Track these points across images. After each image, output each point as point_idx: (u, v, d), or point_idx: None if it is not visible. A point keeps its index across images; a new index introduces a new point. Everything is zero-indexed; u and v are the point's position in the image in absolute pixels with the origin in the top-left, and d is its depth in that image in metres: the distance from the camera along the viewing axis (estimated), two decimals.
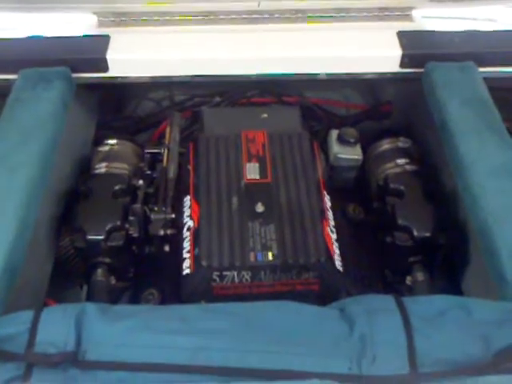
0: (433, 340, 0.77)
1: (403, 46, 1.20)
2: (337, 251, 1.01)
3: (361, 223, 1.21)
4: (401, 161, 1.18)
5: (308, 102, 1.43)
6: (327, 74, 1.25)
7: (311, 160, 1.09)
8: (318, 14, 1.27)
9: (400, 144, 1.23)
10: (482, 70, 1.18)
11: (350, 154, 1.20)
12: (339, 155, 1.20)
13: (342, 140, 1.20)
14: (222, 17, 1.25)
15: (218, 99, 1.41)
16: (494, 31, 1.25)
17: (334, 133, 1.23)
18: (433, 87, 1.14)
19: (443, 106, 1.10)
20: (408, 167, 1.17)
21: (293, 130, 1.14)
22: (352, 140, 1.20)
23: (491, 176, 0.98)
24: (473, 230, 0.98)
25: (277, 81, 1.34)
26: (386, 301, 0.82)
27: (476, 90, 1.13)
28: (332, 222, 1.05)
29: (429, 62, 1.18)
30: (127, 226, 1.04)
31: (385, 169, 1.18)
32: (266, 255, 0.95)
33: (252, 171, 1.06)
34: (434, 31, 1.25)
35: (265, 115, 1.18)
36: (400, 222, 1.06)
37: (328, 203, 1.07)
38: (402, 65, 1.21)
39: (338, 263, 1.00)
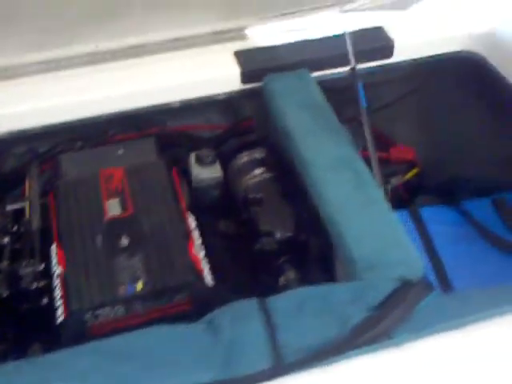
0: (294, 331, 0.83)
1: (241, 64, 1.27)
2: (206, 268, 1.05)
3: (234, 236, 1.26)
4: (258, 171, 1.25)
5: (168, 131, 1.47)
6: (180, 102, 1.31)
7: (170, 187, 1.13)
8: (157, 47, 1.31)
9: (256, 155, 1.30)
10: (315, 74, 1.29)
11: (209, 174, 1.25)
12: (199, 176, 1.25)
13: (200, 161, 1.25)
14: (63, 63, 1.27)
15: (79, 144, 1.42)
16: (320, 38, 1.35)
17: (193, 156, 1.28)
18: (272, 97, 1.23)
19: (282, 113, 1.18)
20: (265, 175, 1.24)
21: (149, 161, 1.18)
22: (209, 160, 1.25)
23: (329, 170, 1.06)
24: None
25: (136, 115, 1.37)
26: (249, 305, 0.87)
27: (311, 94, 1.22)
28: (199, 241, 1.10)
29: (266, 75, 1.26)
30: None
31: (245, 181, 1.25)
32: (136, 286, 0.97)
33: (113, 207, 1.08)
34: (267, 46, 1.33)
35: (121, 151, 1.21)
36: (262, 227, 1.12)
37: (193, 224, 1.12)
38: (244, 81, 1.28)
39: (209, 279, 1.04)
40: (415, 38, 1.38)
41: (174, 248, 1.03)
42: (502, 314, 0.82)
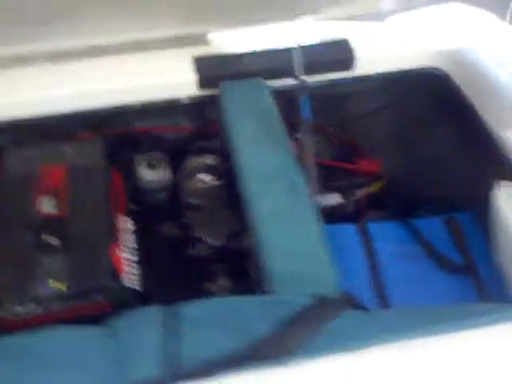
0: (194, 341, 0.83)
1: (198, 69, 1.28)
2: (131, 270, 1.07)
3: (176, 240, 1.27)
4: (205, 176, 1.26)
5: (132, 132, 1.49)
6: (142, 103, 1.33)
7: (107, 189, 1.15)
8: (117, 48, 1.33)
9: (207, 161, 1.30)
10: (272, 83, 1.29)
11: (157, 177, 1.27)
12: (146, 178, 1.26)
13: (148, 164, 1.27)
14: (20, 60, 1.29)
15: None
16: (280, 48, 1.34)
17: (142, 158, 1.29)
18: (225, 104, 1.23)
19: (230, 120, 1.19)
20: (211, 182, 1.25)
21: (92, 162, 1.20)
22: (157, 162, 1.27)
23: (264, 180, 1.07)
24: None
25: (96, 114, 1.39)
26: (155, 311, 0.88)
27: (262, 103, 1.22)
28: (131, 244, 1.11)
29: (222, 82, 1.27)
30: None
31: (189, 185, 1.25)
32: (54, 285, 0.99)
33: (46, 205, 1.10)
34: (226, 53, 1.34)
35: (68, 149, 1.23)
36: (196, 233, 1.13)
37: (126, 226, 1.13)
38: (201, 87, 1.29)
39: (133, 282, 1.05)
40: (381, 52, 1.37)
41: (97, 250, 1.04)
42: (420, 335, 0.81)
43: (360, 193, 1.60)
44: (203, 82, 1.27)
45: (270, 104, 1.22)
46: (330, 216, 1.56)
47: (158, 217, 1.26)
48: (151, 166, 1.26)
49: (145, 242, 1.18)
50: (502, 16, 1.48)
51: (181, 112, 1.57)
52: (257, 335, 0.82)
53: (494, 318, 0.82)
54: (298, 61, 1.17)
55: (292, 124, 1.63)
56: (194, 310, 0.88)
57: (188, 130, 1.57)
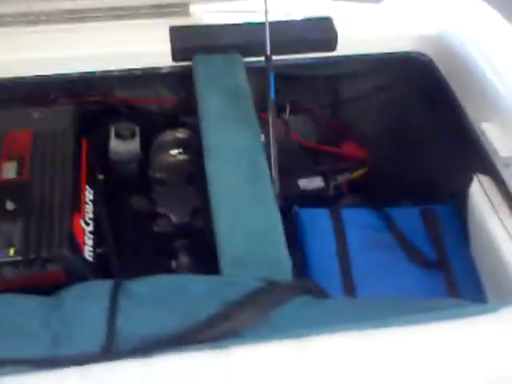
0: (137, 318, 0.81)
1: (172, 40, 1.24)
2: (89, 242, 1.04)
3: (142, 214, 1.24)
4: (174, 151, 1.22)
5: (112, 101, 1.45)
6: (119, 71, 1.29)
7: (72, 157, 1.12)
8: (95, 14, 1.29)
9: (178, 135, 1.27)
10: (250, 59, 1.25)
11: (127, 148, 1.23)
12: (116, 150, 1.23)
13: (118, 135, 1.24)
14: None
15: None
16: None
17: (112, 128, 1.26)
18: (197, 78, 1.19)
19: (202, 96, 1.15)
20: (180, 157, 1.21)
21: (60, 129, 1.17)
22: (128, 134, 1.23)
23: (227, 159, 1.04)
24: None
25: (74, 80, 1.35)
26: (103, 285, 0.86)
27: (235, 80, 1.19)
28: (90, 215, 1.08)
29: (196, 55, 1.23)
30: None
31: (159, 159, 1.22)
32: (8, 251, 0.97)
33: (8, 170, 1.08)
34: (204, 25, 1.30)
35: (36, 115, 1.20)
36: (159, 209, 1.10)
37: (90, 196, 1.11)
38: (174, 58, 1.25)
39: (90, 253, 1.03)
40: (364, 33, 1.33)
41: (56, 218, 1.01)
42: (370, 327, 0.77)
43: (341, 178, 1.57)
44: (176, 54, 1.23)
45: (242, 81, 1.18)
46: (312, 199, 1.54)
47: (126, 189, 1.24)
48: (121, 137, 1.23)
49: (111, 214, 1.16)
50: None
51: (163, 84, 1.53)
52: (202, 316, 0.80)
53: (446, 314, 0.79)
54: (267, 37, 1.12)
55: (280, 104, 1.61)
56: (141, 286, 0.86)
57: (171, 103, 1.54)
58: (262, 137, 1.14)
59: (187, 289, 0.86)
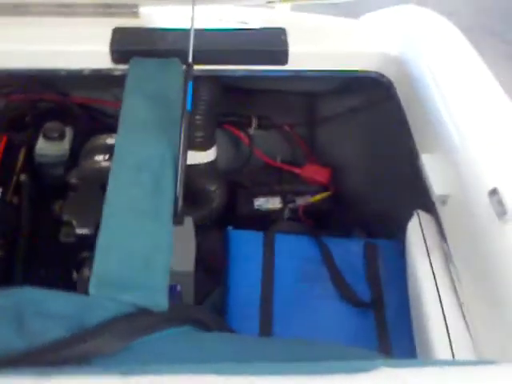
0: None
1: (112, 41, 1.19)
2: None
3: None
4: (100, 157, 1.16)
5: (66, 101, 1.41)
6: (66, 70, 1.25)
7: None
8: (40, 10, 1.25)
9: (109, 140, 1.21)
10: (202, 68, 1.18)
11: (54, 150, 1.18)
12: (42, 151, 1.18)
13: (46, 136, 1.18)
14: None
15: None
16: (210, 30, 1.23)
17: (44, 128, 1.21)
18: (128, 81, 1.13)
19: (125, 99, 1.08)
20: (104, 163, 1.15)
21: None
22: (56, 135, 1.18)
23: (130, 169, 0.96)
24: None
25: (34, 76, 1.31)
26: None
27: (166, 86, 1.11)
28: None
29: (133, 58, 1.17)
30: None
31: (82, 164, 1.17)
32: None
33: None
34: (148, 28, 1.23)
35: None
36: (65, 217, 1.04)
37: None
38: (114, 60, 1.19)
39: None
40: (320, 48, 1.23)
41: None
42: (232, 371, 0.66)
43: (300, 201, 1.47)
44: (115, 56, 1.17)
45: (173, 87, 1.10)
46: (267, 220, 1.45)
47: (48, 194, 1.18)
48: (49, 138, 1.18)
49: (27, 218, 1.11)
50: None
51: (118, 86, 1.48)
52: (47, 335, 0.73)
53: (324, 366, 0.68)
54: (191, 44, 1.04)
55: (245, 120, 1.54)
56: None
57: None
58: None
59: (46, 304, 0.80)
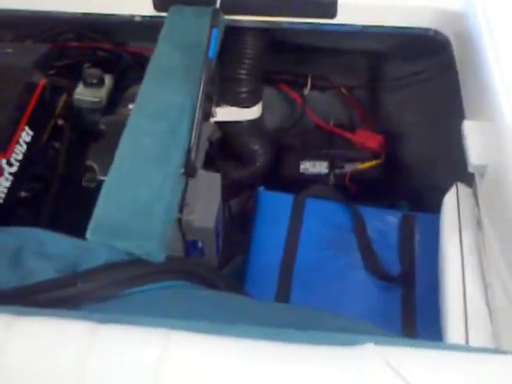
0: None
1: None
2: (5, 183, 1.00)
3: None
4: (132, 105, 1.14)
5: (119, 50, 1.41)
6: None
7: (18, 95, 1.08)
8: None
9: None
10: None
11: (92, 96, 1.18)
12: (80, 97, 1.18)
13: (85, 81, 1.19)
14: None
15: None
16: None
17: (83, 74, 1.21)
18: (163, 29, 1.10)
19: (157, 47, 1.06)
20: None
21: (21, 67, 1.14)
22: (94, 81, 1.18)
23: (147, 117, 0.94)
24: None
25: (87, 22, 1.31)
26: None
27: (201, 35, 1.07)
28: (19, 156, 1.04)
29: (173, 5, 1.14)
30: None
31: (116, 112, 1.16)
32: None
33: None
34: None
35: (9, 50, 1.19)
36: (88, 162, 1.05)
37: (26, 138, 1.06)
38: (155, 7, 1.17)
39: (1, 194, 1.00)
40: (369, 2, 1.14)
41: None
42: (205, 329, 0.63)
43: (349, 167, 1.40)
44: (156, 2, 1.14)
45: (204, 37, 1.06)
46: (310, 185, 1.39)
47: (86, 140, 1.19)
48: (88, 84, 1.18)
49: (62, 162, 1.13)
50: None
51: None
52: (39, 275, 0.74)
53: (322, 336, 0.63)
54: None
55: (300, 81, 1.47)
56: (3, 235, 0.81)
57: None
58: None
59: (45, 247, 0.80)
